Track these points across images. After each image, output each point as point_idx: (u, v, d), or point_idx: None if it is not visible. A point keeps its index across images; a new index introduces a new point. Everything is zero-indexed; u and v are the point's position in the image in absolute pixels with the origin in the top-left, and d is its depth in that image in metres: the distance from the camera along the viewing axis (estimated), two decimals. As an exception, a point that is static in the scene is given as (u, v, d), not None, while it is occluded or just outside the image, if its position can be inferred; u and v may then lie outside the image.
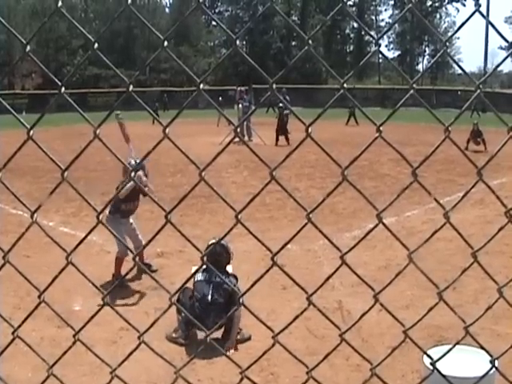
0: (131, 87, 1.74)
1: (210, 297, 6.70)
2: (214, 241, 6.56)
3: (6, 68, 64.33)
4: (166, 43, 1.68)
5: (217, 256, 6.70)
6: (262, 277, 1.82)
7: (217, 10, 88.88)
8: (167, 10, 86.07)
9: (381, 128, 1.71)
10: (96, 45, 1.71)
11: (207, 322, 6.09)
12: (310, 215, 1.78)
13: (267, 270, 1.85)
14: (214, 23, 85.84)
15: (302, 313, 1.95)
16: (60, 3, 1.70)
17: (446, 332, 6.49)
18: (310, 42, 1.65)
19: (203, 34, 79.61)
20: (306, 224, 1.78)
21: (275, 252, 1.80)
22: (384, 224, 1.81)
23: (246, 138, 26.96)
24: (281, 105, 27.47)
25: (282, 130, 26.29)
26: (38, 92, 58.00)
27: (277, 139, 26.08)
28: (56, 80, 1.78)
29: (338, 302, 7.56)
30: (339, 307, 7.45)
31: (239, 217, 1.76)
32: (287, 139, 25.45)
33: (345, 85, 1.69)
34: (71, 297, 7.70)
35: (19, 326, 2.07)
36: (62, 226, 11.87)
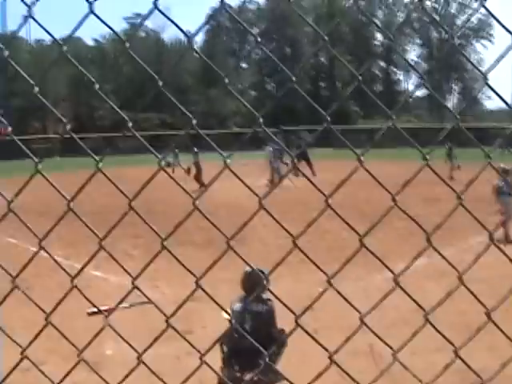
0: (130, 124, 1.78)
1: (248, 325, 6.61)
2: (249, 269, 6.59)
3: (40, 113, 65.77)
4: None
5: (252, 283, 6.69)
6: (293, 330, 1.83)
7: (245, 53, 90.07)
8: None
9: (362, 157, 1.74)
10: (97, 86, 1.77)
11: (249, 352, 6.06)
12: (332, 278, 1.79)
13: (305, 311, 1.86)
14: (243, 65, 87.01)
15: (325, 370, 1.95)
16: (65, 48, 1.76)
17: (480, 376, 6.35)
18: (294, 79, 1.68)
19: (233, 76, 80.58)
20: (326, 289, 1.80)
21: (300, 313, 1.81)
22: (400, 286, 1.81)
23: (277, 181, 27.09)
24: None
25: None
26: (71, 136, 58.95)
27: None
28: (91, 154, 1.84)
29: (369, 346, 7.46)
30: (370, 350, 7.36)
31: (231, 243, 1.78)
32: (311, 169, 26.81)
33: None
34: (104, 340, 7.71)
35: (60, 381, 2.10)
36: (95, 270, 11.95)
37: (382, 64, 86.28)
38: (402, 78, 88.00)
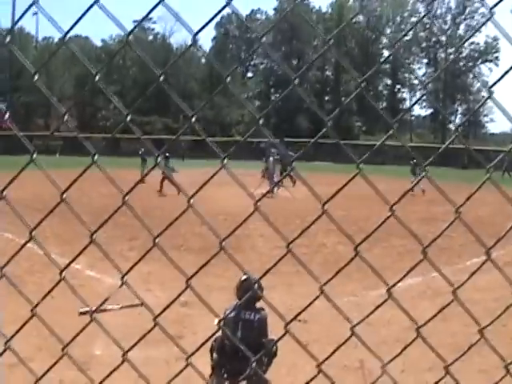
0: (129, 117, 1.78)
1: (239, 333, 6.69)
2: (245, 277, 6.68)
3: (44, 110, 65.81)
4: (161, 78, 1.72)
5: (246, 291, 6.77)
6: (282, 336, 1.82)
7: (252, 63, 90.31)
8: (203, 60, 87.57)
9: (361, 165, 1.74)
10: (97, 77, 1.78)
11: (239, 360, 6.13)
12: (324, 285, 1.79)
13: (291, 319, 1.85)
14: (249, 75, 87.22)
15: (312, 379, 1.94)
16: (97, 77, 1.76)
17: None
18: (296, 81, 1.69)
19: (238, 85, 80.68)
20: (318, 296, 1.79)
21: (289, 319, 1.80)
22: (393, 298, 1.81)
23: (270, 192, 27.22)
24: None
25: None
26: (72, 135, 59.13)
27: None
28: (89, 149, 1.84)
29: (359, 361, 7.44)
30: (361, 366, 7.34)
31: (223, 244, 1.77)
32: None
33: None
34: (93, 340, 7.68)
35: (42, 376, 2.08)
36: (89, 270, 11.92)
37: (388, 81, 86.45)
38: (406, 95, 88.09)
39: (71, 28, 1.80)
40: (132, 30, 1.79)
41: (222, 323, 6.77)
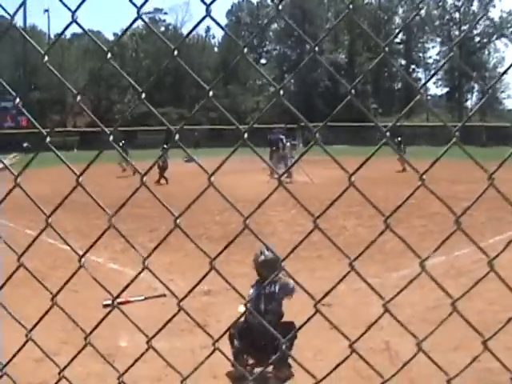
0: (177, 136, 1.77)
1: (262, 306, 6.80)
2: (262, 257, 6.98)
3: (59, 106, 66.02)
4: (211, 93, 1.72)
5: (263, 267, 6.90)
6: (308, 320, 1.82)
7: (265, 49, 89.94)
8: (216, 48, 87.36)
9: (352, 178, 1.72)
10: (79, 97, 1.80)
11: (263, 340, 6.29)
12: (354, 261, 1.78)
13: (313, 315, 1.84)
14: (262, 61, 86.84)
15: (344, 360, 1.93)
16: (109, 55, 1.76)
17: (498, 376, 6.29)
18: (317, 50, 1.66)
19: (251, 72, 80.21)
20: (349, 272, 1.79)
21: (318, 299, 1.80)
22: (426, 271, 1.79)
23: (284, 178, 27.23)
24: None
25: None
26: (89, 130, 59.24)
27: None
28: (104, 129, 1.84)
29: (385, 343, 7.43)
30: (387, 348, 7.32)
31: (250, 221, 1.76)
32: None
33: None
34: (118, 332, 7.72)
35: (65, 367, 2.10)
36: (111, 263, 11.99)
37: (402, 62, 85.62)
38: (421, 75, 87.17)
39: (78, 8, 1.79)
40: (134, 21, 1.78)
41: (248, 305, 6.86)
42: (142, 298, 9.42)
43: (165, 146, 29.05)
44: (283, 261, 1.91)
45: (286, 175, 28.01)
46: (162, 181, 27.54)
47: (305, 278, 10.22)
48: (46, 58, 1.85)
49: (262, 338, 6.45)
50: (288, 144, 31.72)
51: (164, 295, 9.16)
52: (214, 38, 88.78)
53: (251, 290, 6.96)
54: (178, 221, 1.90)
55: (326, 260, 11.80)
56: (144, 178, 1.92)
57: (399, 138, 34.45)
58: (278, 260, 6.73)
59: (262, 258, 6.93)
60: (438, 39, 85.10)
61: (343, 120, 56.24)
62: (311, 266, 11.03)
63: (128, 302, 9.01)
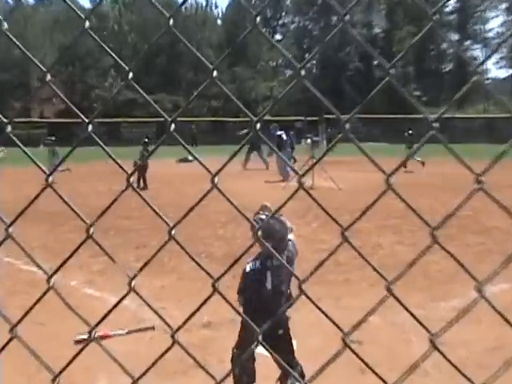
0: (173, 126, 1.76)
1: (269, 284, 6.68)
2: (262, 216, 6.79)
3: (23, 90, 65.94)
4: (215, 73, 1.71)
5: (267, 238, 6.71)
6: (334, 358, 1.81)
7: (281, 22, 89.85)
8: (219, 21, 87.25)
9: (391, 179, 1.70)
10: (49, 76, 1.77)
11: (270, 318, 6.21)
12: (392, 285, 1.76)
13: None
14: (277, 37, 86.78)
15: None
16: (87, 23, 1.75)
17: None
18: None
19: (263, 51, 79.81)
20: (386, 296, 1.76)
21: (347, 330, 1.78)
22: (485, 298, 1.77)
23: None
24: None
25: None
26: (60, 120, 59.01)
27: None
28: (82, 117, 1.83)
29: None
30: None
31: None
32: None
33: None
34: (94, 375, 7.71)
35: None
36: (87, 287, 11.99)
37: (454, 36, 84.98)
38: (479, 53, 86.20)
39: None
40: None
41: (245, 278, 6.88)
42: (125, 331, 9.42)
43: (146, 140, 28.79)
44: (303, 282, 1.88)
45: (282, 177, 28.29)
46: (141, 184, 26.83)
47: (328, 307, 10.18)
48: (6, 25, 1.83)
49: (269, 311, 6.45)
50: (309, 141, 31.77)
51: (153, 328, 9.15)
52: (216, 7, 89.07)
53: (249, 266, 6.76)
54: (172, 232, 1.88)
55: (354, 285, 11.75)
56: (131, 179, 1.91)
57: (410, 131, 34.63)
58: (285, 226, 6.66)
59: (267, 225, 6.69)
60: (503, 4, 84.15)
61: (378, 112, 55.93)
62: (336, 293, 11.00)
63: (108, 336, 9.00)
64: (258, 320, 5.91)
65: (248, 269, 6.77)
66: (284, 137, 32.38)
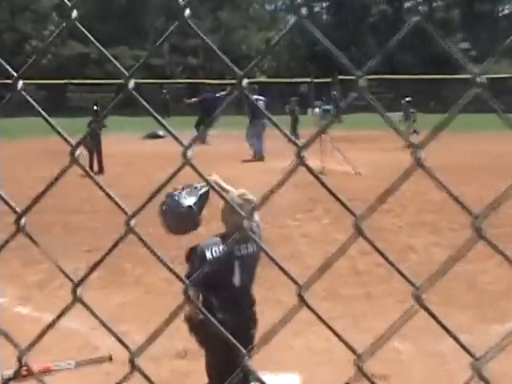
0: (132, 83, 1.74)
1: (237, 278, 6.82)
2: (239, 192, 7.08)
3: None
4: (187, 12, 1.69)
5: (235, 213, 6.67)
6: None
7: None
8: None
9: (422, 154, 1.68)
10: (75, 13, 1.74)
11: (241, 329, 6.24)
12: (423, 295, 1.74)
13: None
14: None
15: None
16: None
17: None
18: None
19: (264, 20, 78.85)
20: (412, 306, 1.73)
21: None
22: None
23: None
24: None
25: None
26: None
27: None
28: (10, 70, 1.81)
29: None
30: None
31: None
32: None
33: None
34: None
35: None
36: (20, 305, 11.91)
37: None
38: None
39: None
40: None
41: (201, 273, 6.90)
42: (73, 364, 9.38)
43: (96, 108, 28.29)
44: (305, 290, 1.85)
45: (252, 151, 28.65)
46: (95, 167, 26.75)
47: (345, 329, 10.17)
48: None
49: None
50: (317, 110, 31.82)
51: (109, 358, 9.13)
52: None
53: (208, 252, 6.77)
54: (132, 222, 1.83)
55: (377, 301, 11.70)
56: (77, 152, 1.87)
57: (407, 99, 35.78)
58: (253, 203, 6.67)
59: (238, 200, 6.68)
60: None
61: (416, 71, 55.33)
62: (355, 310, 11.01)
63: (49, 370, 8.97)
64: (227, 325, 5.91)
65: (208, 255, 6.74)
66: (262, 102, 32.28)
